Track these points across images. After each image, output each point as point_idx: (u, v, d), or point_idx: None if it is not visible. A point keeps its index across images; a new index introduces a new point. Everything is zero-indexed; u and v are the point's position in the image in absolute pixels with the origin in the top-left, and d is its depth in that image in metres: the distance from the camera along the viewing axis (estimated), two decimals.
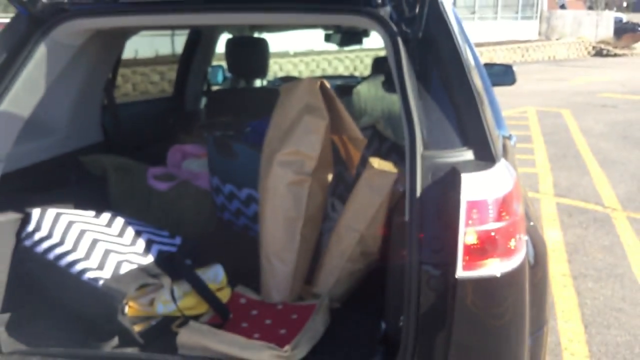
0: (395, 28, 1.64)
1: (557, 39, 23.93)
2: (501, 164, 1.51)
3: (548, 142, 7.74)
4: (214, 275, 2.04)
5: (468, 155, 1.53)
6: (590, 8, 27.88)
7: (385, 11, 1.68)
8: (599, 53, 23.34)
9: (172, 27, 3.70)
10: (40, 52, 1.90)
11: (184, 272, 1.94)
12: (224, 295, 2.02)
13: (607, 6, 27.70)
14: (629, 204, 5.22)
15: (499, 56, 19.32)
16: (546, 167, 6.52)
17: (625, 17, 33.15)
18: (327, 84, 2.03)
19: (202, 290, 1.93)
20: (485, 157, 1.52)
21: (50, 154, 2.25)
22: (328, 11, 1.77)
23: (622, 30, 27.71)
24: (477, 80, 1.64)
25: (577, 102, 11.28)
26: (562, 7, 30.66)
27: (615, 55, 22.88)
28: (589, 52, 23.51)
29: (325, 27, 3.69)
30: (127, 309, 1.81)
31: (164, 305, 1.89)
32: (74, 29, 1.95)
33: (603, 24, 26.28)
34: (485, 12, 23.92)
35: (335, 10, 1.76)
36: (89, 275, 1.81)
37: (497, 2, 24.47)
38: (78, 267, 1.84)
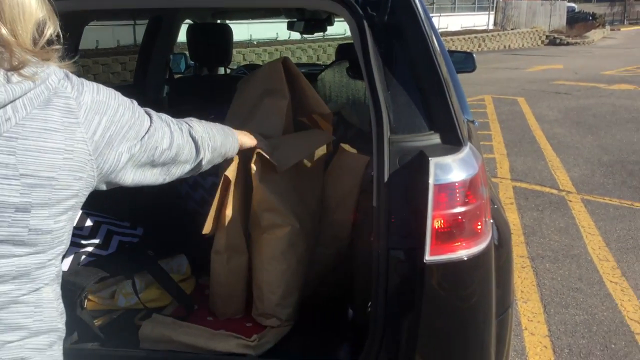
0: (360, 11, 1.62)
1: (512, 29, 24.41)
2: (468, 148, 1.52)
3: (504, 129, 7.91)
4: (178, 266, 2.00)
5: (435, 139, 1.52)
6: None
7: None
8: (552, 42, 23.94)
9: (131, 11, 3.58)
10: None
11: (146, 263, 1.89)
12: (188, 287, 1.98)
13: None
14: (583, 186, 5.38)
15: (456, 46, 19.58)
16: (503, 152, 6.67)
17: (577, 6, 34.13)
18: (291, 61, 1.99)
19: (164, 281, 1.88)
20: (452, 141, 1.52)
21: None
22: None
23: (574, 19, 28.52)
24: (443, 66, 1.64)
25: (532, 89, 11.54)
26: None
27: (568, 44, 23.51)
28: (542, 42, 24.07)
29: (289, 14, 3.65)
30: (86, 303, 1.75)
31: (125, 298, 1.84)
32: None
33: (557, 13, 26.96)
34: (444, 2, 24.20)
35: None
36: None
37: None
38: None
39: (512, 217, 4.57)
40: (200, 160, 1.35)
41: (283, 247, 1.77)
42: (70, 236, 0.97)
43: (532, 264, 3.80)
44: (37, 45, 0.88)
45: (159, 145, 1.14)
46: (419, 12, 1.65)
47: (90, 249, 1.86)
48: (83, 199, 0.97)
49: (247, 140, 1.68)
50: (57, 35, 0.92)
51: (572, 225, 4.45)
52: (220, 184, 1.78)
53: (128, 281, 1.82)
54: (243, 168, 1.79)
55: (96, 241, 1.91)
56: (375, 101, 1.55)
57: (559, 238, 4.22)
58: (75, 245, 1.85)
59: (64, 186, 0.91)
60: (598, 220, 4.53)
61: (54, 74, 0.92)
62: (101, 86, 1.02)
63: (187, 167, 1.31)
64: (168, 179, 1.25)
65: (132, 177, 1.08)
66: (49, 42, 0.91)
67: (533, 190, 5.32)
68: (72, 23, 2.39)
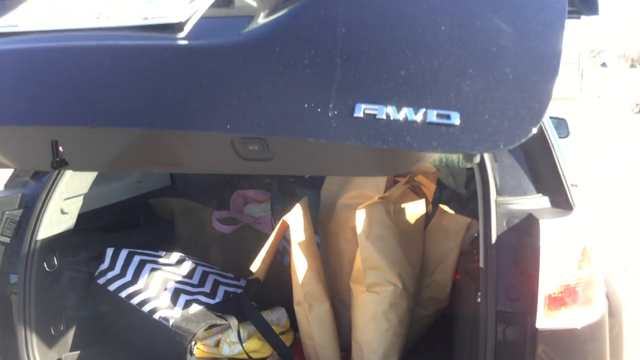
0: None
1: (599, 97, 23.75)
2: (579, 211, 1.50)
3: None
4: (278, 319, 2.05)
5: (544, 202, 1.51)
6: (632, 66, 27.72)
7: None
8: None
9: None
10: None
11: (250, 313, 1.95)
12: (287, 340, 2.02)
13: None
14: None
15: None
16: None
17: None
18: None
19: (267, 333, 1.93)
20: (562, 204, 1.50)
21: (123, 196, 2.33)
22: None
23: None
24: (548, 127, 1.64)
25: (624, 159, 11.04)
26: (603, 65, 30.57)
27: None
28: (632, 109, 23.17)
29: None
30: (195, 350, 1.82)
31: (229, 347, 1.90)
32: None
33: None
34: None
35: None
36: (159, 314, 1.85)
37: None
38: (149, 305, 1.88)
39: None
40: None
41: (385, 306, 1.78)
42: None
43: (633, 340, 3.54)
44: None
45: None
46: None
47: (199, 297, 1.95)
48: None
49: None
50: None
51: None
52: (277, 227, 1.83)
53: (232, 330, 1.88)
54: (310, 215, 1.85)
55: (204, 290, 2.00)
56: (480, 163, 1.57)
57: None
58: (185, 292, 1.95)
59: None
60: None
61: None
62: None
63: None
64: None
65: None
66: None
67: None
68: None
